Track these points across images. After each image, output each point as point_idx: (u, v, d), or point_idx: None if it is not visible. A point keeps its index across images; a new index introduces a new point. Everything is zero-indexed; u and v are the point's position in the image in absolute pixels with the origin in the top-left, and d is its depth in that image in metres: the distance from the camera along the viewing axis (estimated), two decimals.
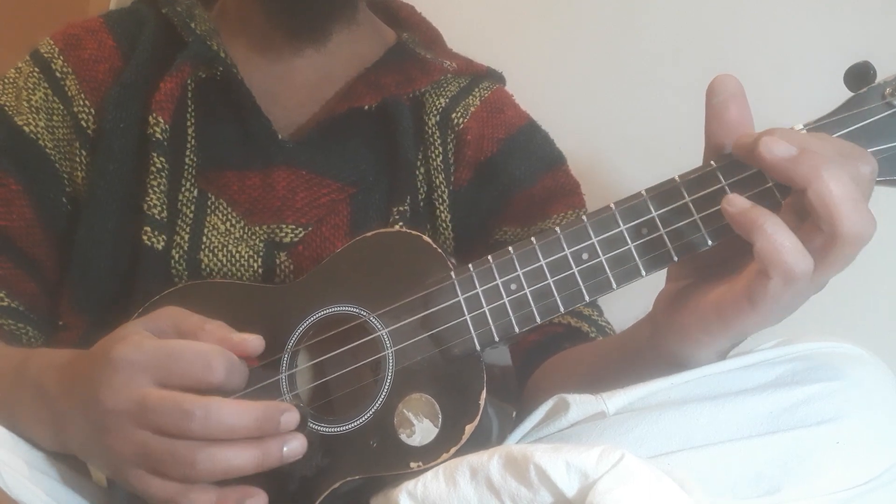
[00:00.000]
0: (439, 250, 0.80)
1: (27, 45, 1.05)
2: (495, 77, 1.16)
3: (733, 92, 0.69)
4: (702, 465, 0.66)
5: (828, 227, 0.62)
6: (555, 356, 0.96)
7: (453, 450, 0.73)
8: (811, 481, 0.65)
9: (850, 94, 0.69)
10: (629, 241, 0.71)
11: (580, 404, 0.74)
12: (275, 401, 0.72)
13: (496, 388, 0.77)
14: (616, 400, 0.73)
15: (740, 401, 0.69)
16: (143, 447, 0.69)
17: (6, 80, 1.02)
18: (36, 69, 1.01)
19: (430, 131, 1.05)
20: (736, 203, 0.65)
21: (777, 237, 0.63)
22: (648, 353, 0.76)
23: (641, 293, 0.76)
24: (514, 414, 0.82)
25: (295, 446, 0.72)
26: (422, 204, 1.04)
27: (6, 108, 1.00)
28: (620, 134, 1.33)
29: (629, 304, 0.81)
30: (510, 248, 0.75)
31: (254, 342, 0.74)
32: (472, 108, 1.08)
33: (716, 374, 0.72)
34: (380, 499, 0.74)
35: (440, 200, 1.04)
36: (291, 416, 0.72)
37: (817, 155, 0.62)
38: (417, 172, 1.04)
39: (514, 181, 1.06)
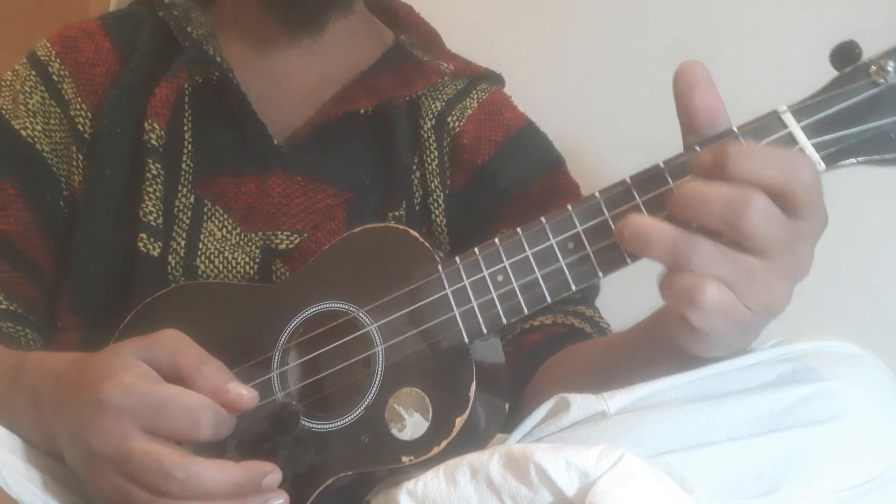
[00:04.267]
0: (426, 244, 0.80)
1: (24, 46, 1.05)
2: (494, 78, 1.16)
3: (696, 79, 0.68)
4: (702, 465, 0.66)
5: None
6: (558, 354, 0.96)
7: (444, 443, 0.74)
8: (811, 481, 0.64)
9: (836, 73, 0.68)
10: (614, 230, 0.70)
11: (581, 404, 0.74)
12: (257, 462, 0.71)
13: (487, 382, 0.77)
14: (617, 400, 0.73)
15: (740, 400, 0.69)
16: (124, 494, 0.69)
17: (3, 83, 1.03)
18: (33, 72, 1.02)
19: (425, 135, 1.05)
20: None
21: (669, 284, 0.65)
22: (666, 348, 0.75)
23: (643, 293, 0.76)
24: (507, 408, 0.82)
25: None
26: (417, 208, 1.04)
27: (3, 112, 1.00)
28: (619, 135, 1.33)
29: (629, 304, 0.81)
30: (496, 240, 0.75)
31: (248, 398, 0.73)
32: (469, 111, 1.08)
33: (716, 374, 0.72)
34: (380, 498, 0.74)
35: (435, 205, 1.04)
36: (274, 478, 0.71)
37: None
38: (413, 177, 1.04)
39: (512, 183, 1.06)
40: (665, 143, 0.72)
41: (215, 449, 0.73)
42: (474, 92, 1.10)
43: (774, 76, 1.15)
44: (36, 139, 1.00)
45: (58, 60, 1.02)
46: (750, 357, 0.72)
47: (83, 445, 0.70)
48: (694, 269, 0.63)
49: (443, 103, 1.07)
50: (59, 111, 1.01)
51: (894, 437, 0.68)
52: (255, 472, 0.70)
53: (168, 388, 0.71)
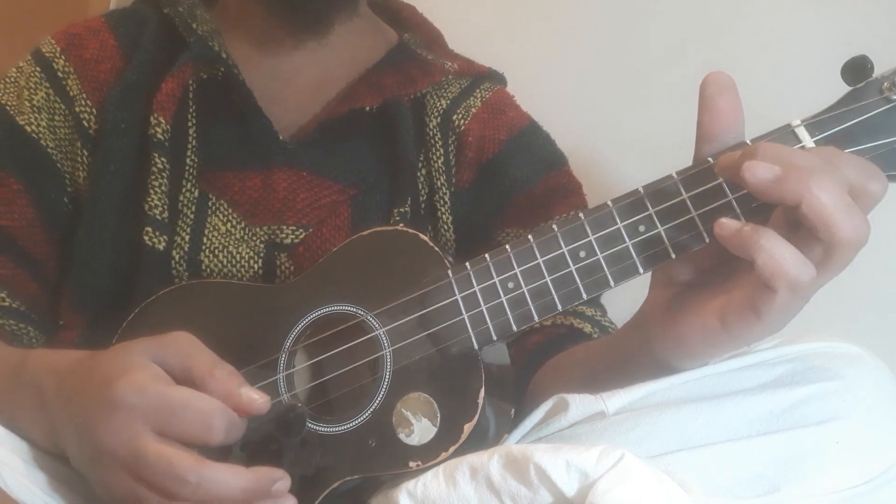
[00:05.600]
0: (436, 248, 0.80)
1: (28, 44, 1.05)
2: (496, 78, 1.16)
3: (724, 85, 0.69)
4: (701, 465, 0.66)
5: (826, 237, 0.62)
6: (554, 358, 0.96)
7: (452, 449, 0.73)
8: (811, 481, 0.65)
9: (848, 88, 0.68)
10: (626, 239, 0.71)
11: (580, 404, 0.74)
12: (267, 469, 0.71)
13: (494, 387, 0.77)
14: (616, 400, 0.73)
15: (740, 401, 0.69)
16: (133, 495, 0.69)
17: (7, 80, 1.03)
18: (38, 69, 1.02)
19: (431, 133, 1.05)
20: (727, 226, 0.65)
21: (777, 251, 0.63)
22: (643, 358, 0.76)
23: (643, 293, 0.76)
24: (513, 412, 0.81)
25: None
26: (423, 205, 1.04)
27: (8, 108, 1.00)
28: (621, 134, 1.33)
29: (630, 304, 0.81)
30: (507, 247, 0.75)
31: (260, 403, 0.73)
32: (474, 110, 1.08)
33: (715, 375, 0.72)
34: (380, 499, 0.75)
35: (441, 202, 1.04)
36: (283, 485, 0.71)
37: (802, 169, 0.62)
38: (419, 174, 1.04)
39: (515, 182, 1.06)
40: (666, 142, 0.73)
41: (221, 450, 0.72)
42: (478, 91, 1.10)
43: (787, 91, 1.15)
44: (40, 135, 1.00)
45: (62, 57, 1.02)
46: (749, 357, 0.72)
47: (92, 443, 0.70)
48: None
49: (448, 101, 1.07)
50: (63, 107, 1.01)
51: (894, 438, 0.68)
52: (265, 479, 0.70)
53: (181, 391, 0.71)
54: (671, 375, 0.72)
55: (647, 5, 1.35)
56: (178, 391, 0.71)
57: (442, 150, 1.05)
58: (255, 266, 0.97)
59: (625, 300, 0.84)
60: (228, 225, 0.98)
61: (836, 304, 0.96)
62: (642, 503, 0.61)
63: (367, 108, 1.02)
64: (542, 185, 1.07)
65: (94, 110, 1.01)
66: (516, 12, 1.45)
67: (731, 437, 0.68)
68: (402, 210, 1.01)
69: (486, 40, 1.33)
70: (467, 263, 0.77)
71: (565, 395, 0.76)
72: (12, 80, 1.02)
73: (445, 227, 1.04)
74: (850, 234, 0.61)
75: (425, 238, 0.81)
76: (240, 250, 0.97)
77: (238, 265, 0.97)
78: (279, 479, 0.71)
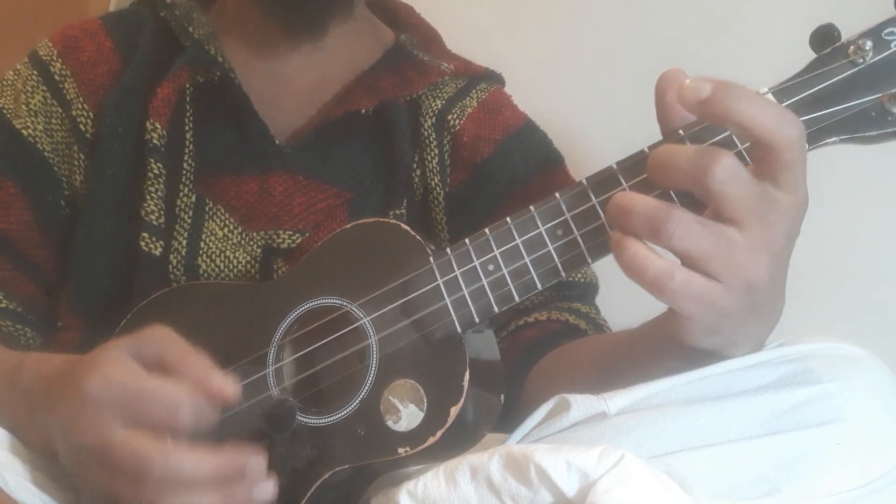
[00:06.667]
0: (417, 237, 0.81)
1: (27, 45, 1.05)
2: (494, 78, 1.16)
3: (672, 79, 0.69)
4: (702, 466, 0.66)
5: (756, 139, 0.62)
6: (555, 352, 0.96)
7: (439, 433, 0.74)
8: (812, 482, 0.64)
9: (815, 55, 0.69)
10: (602, 216, 0.71)
11: (581, 404, 0.74)
12: (239, 450, 0.70)
13: (482, 375, 0.78)
14: (617, 400, 0.72)
15: (741, 402, 0.69)
16: (108, 486, 0.69)
17: (5, 83, 1.03)
18: (34, 72, 1.02)
19: (426, 133, 1.05)
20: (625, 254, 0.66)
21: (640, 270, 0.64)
22: (680, 351, 0.75)
23: (642, 293, 0.76)
24: (503, 398, 0.82)
25: (263, 491, 0.71)
26: (418, 206, 1.05)
27: (4, 111, 1.00)
28: (619, 134, 1.32)
29: (629, 304, 0.81)
30: (486, 230, 0.76)
31: (230, 391, 0.72)
32: (469, 110, 1.08)
33: (717, 375, 0.71)
34: (380, 498, 0.74)
35: (435, 202, 1.04)
36: (258, 464, 0.70)
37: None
38: (414, 175, 1.04)
39: (511, 182, 1.06)
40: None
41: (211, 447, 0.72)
42: (474, 91, 1.11)
43: (755, 59, 1.16)
44: (37, 139, 1.00)
45: (59, 60, 1.02)
46: (751, 358, 0.72)
47: (69, 440, 0.71)
48: (672, 240, 0.63)
49: (443, 101, 1.07)
50: (60, 111, 1.01)
51: (895, 439, 0.67)
52: (236, 458, 0.70)
53: (148, 380, 0.71)
54: (674, 376, 0.72)
55: (647, 5, 1.35)
56: (144, 380, 0.71)
57: (437, 151, 1.05)
58: (252, 271, 0.97)
59: (626, 301, 0.84)
60: (225, 230, 0.98)
61: (836, 304, 0.97)
62: None
63: (363, 111, 1.02)
64: (536, 184, 1.07)
65: (90, 114, 1.01)
66: (516, 12, 1.45)
67: (732, 437, 0.68)
68: (397, 212, 1.01)
69: (485, 40, 1.33)
70: (448, 248, 0.78)
71: (566, 395, 0.75)
72: (9, 82, 1.02)
73: (439, 227, 1.04)
74: (773, 129, 0.62)
75: (406, 227, 0.82)
76: (237, 255, 0.97)
77: (235, 270, 0.97)
78: (252, 458, 0.70)
